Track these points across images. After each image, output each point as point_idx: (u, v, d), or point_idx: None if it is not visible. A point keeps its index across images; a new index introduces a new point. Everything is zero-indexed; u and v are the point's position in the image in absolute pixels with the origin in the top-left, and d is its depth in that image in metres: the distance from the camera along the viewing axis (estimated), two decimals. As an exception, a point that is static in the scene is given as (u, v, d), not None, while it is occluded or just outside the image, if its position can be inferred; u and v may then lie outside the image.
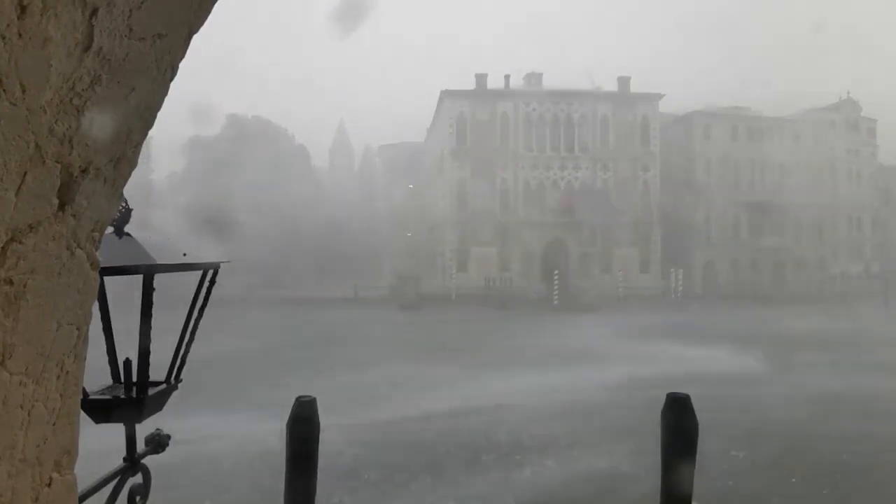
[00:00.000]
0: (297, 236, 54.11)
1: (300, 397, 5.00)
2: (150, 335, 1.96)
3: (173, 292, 2.51)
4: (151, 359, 2.02)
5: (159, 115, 1.50)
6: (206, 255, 2.24)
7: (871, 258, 67.63)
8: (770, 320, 34.75)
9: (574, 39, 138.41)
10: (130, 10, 1.26)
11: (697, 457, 4.89)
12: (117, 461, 1.98)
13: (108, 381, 2.12)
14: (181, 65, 1.47)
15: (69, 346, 1.37)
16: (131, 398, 2.00)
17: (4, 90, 1.09)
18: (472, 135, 59.17)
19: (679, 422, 4.81)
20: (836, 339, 26.73)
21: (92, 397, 1.97)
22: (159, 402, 2.10)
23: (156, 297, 2.01)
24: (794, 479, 10.31)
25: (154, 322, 2.00)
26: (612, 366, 20.70)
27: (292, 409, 4.95)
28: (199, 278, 2.23)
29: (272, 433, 8.46)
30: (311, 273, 55.99)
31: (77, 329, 1.39)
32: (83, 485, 1.59)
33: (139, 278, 1.97)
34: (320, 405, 5.03)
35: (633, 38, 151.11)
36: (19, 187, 1.16)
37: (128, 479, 1.97)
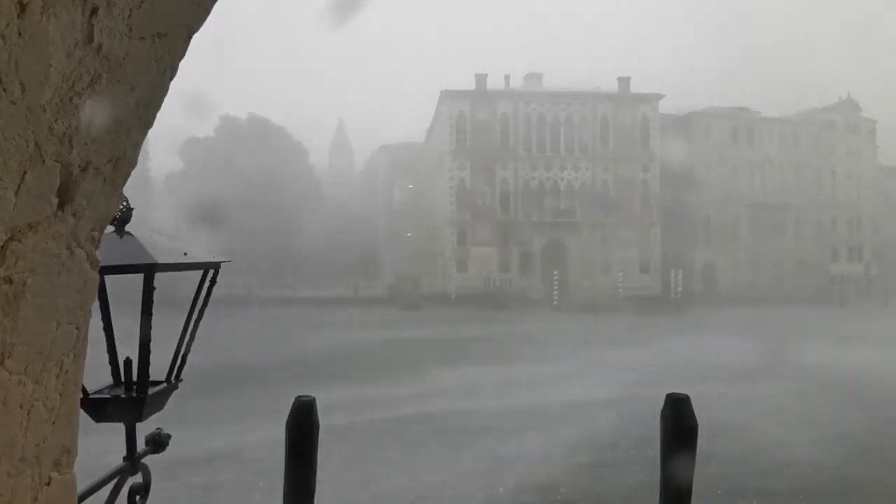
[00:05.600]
0: (297, 236, 54.09)
1: (300, 397, 4.99)
2: (150, 334, 1.96)
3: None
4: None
5: (159, 113, 1.50)
6: (204, 254, 2.24)
7: (870, 259, 67.65)
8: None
9: (574, 39, 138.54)
10: (130, 10, 1.26)
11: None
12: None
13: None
14: (182, 62, 1.48)
15: (69, 345, 1.37)
16: (131, 397, 2.00)
17: (4, 89, 1.09)
18: (472, 135, 59.17)
19: (679, 422, 4.80)
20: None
21: (92, 396, 1.96)
22: (160, 402, 2.09)
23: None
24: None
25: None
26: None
27: (291, 409, 4.93)
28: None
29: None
30: (311, 273, 55.96)
31: (77, 328, 1.39)
32: (82, 484, 1.58)
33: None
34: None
35: (634, 38, 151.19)
36: (19, 186, 1.16)
37: (127, 478, 1.96)
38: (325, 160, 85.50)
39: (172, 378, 2.16)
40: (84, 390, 1.76)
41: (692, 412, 4.88)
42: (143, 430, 2.09)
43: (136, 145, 1.46)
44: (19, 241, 1.19)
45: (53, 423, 1.34)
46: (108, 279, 1.94)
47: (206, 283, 2.22)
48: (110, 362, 2.08)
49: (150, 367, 2.01)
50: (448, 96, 59.63)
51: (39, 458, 1.31)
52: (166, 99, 1.50)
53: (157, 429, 2.12)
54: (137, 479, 1.99)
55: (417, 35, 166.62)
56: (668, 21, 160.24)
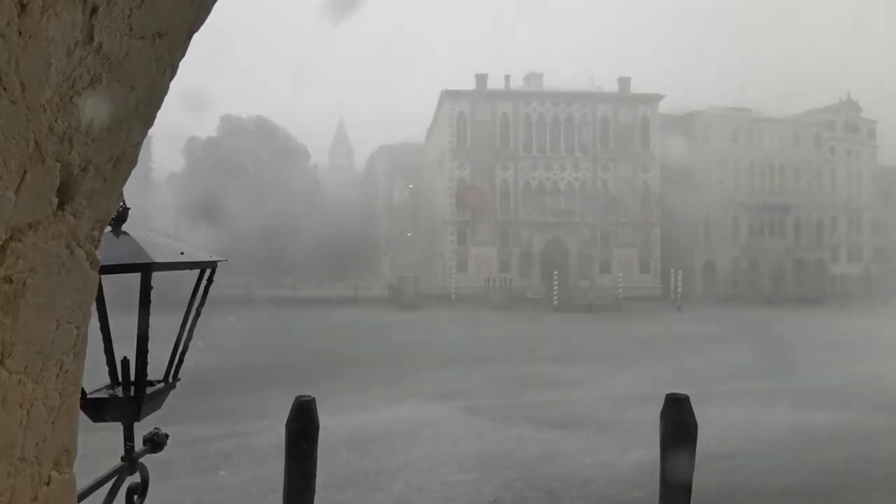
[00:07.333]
0: (297, 236, 54.11)
1: (300, 396, 4.99)
2: (147, 334, 1.95)
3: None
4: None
5: (160, 112, 1.50)
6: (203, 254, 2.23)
7: (870, 259, 67.65)
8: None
9: (575, 40, 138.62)
10: (131, 9, 1.26)
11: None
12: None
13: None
14: (183, 61, 1.48)
15: (68, 344, 1.37)
16: (129, 397, 2.00)
17: (4, 88, 1.09)
18: (472, 135, 59.17)
19: (678, 422, 4.79)
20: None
21: (90, 396, 1.96)
22: (157, 401, 2.09)
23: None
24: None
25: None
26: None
27: (291, 409, 4.93)
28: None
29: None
30: (310, 273, 55.97)
31: (76, 328, 1.39)
32: (81, 483, 1.58)
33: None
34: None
35: (634, 38, 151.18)
36: (19, 186, 1.16)
37: (126, 478, 1.96)
38: (325, 160, 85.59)
39: (170, 378, 2.16)
40: (82, 390, 1.76)
41: (692, 412, 4.88)
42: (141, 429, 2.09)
43: (136, 145, 1.46)
44: (19, 241, 1.19)
45: (53, 423, 1.34)
46: (105, 279, 1.93)
47: (204, 282, 2.21)
48: (108, 362, 2.07)
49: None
50: (448, 96, 59.62)
51: (39, 457, 1.31)
52: (168, 98, 1.50)
53: (156, 428, 2.12)
54: (136, 478, 1.99)
55: (417, 35, 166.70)
56: (669, 21, 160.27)
